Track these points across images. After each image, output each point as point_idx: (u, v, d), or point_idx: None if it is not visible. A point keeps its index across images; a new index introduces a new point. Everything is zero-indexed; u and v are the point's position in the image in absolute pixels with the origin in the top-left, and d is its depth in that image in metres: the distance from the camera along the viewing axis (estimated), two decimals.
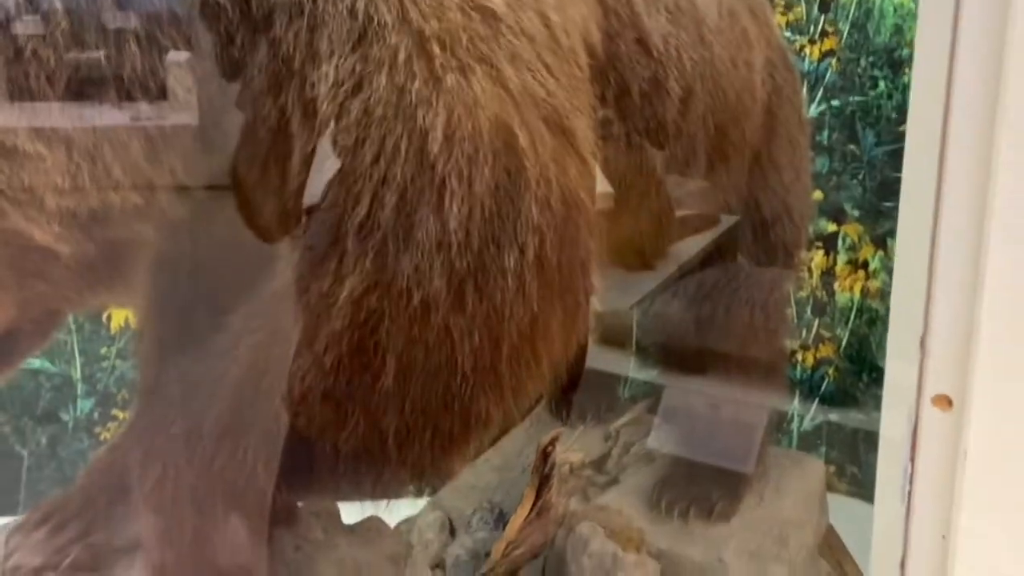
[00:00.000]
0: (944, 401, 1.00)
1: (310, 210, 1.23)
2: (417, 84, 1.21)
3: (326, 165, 1.22)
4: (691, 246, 2.16)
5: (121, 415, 2.73)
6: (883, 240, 2.76)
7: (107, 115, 1.22)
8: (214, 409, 1.34)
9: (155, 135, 1.25)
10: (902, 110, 2.67)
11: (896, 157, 2.68)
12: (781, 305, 2.31)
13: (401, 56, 1.21)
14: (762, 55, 2.01)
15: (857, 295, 2.84)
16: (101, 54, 1.19)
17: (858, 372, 2.86)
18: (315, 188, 1.23)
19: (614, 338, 2.57)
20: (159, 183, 1.27)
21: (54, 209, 1.22)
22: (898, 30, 2.64)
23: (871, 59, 2.68)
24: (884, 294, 2.79)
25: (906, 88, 2.64)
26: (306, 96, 1.23)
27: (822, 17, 2.68)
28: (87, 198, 1.23)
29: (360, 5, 1.21)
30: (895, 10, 2.64)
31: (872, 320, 2.84)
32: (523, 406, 1.35)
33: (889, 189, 2.72)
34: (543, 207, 1.25)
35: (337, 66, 1.21)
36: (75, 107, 1.20)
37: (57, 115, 1.19)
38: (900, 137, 2.65)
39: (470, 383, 1.24)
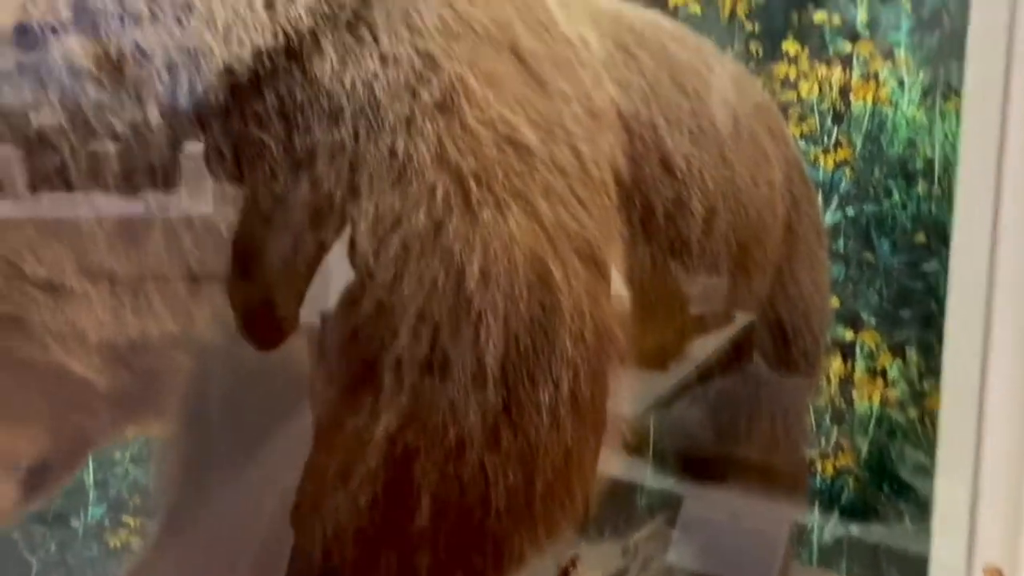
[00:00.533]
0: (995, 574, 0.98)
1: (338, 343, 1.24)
2: (455, 220, 1.22)
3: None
4: (706, 345, 2.16)
5: (132, 522, 2.70)
6: (901, 348, 2.76)
7: (151, 251, 1.22)
8: (248, 545, 1.32)
9: (196, 268, 1.25)
10: (917, 219, 2.69)
11: (912, 267, 2.70)
12: (802, 414, 2.30)
13: (439, 193, 1.23)
14: (781, 172, 2.04)
15: (876, 404, 2.82)
16: (148, 195, 1.20)
17: (878, 483, 2.83)
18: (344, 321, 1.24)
19: (630, 444, 2.55)
20: (196, 314, 1.27)
21: (95, 343, 1.22)
22: (911, 143, 2.68)
23: (885, 170, 2.71)
24: (903, 404, 2.77)
25: (920, 199, 2.67)
26: (345, 231, 1.24)
27: (835, 128, 2.72)
28: (128, 330, 1.23)
29: (400, 144, 1.23)
30: (908, 123, 2.68)
31: (892, 430, 2.81)
32: (557, 542, 1.33)
33: (905, 297, 2.73)
34: (577, 341, 1.25)
35: (377, 203, 1.23)
36: (120, 244, 1.21)
37: (104, 252, 1.20)
38: (915, 247, 2.67)
39: (504, 521, 1.23)
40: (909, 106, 2.63)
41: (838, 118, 2.72)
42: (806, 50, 2.70)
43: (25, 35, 1.15)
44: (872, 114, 2.71)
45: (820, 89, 2.70)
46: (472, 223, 1.23)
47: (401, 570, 1.22)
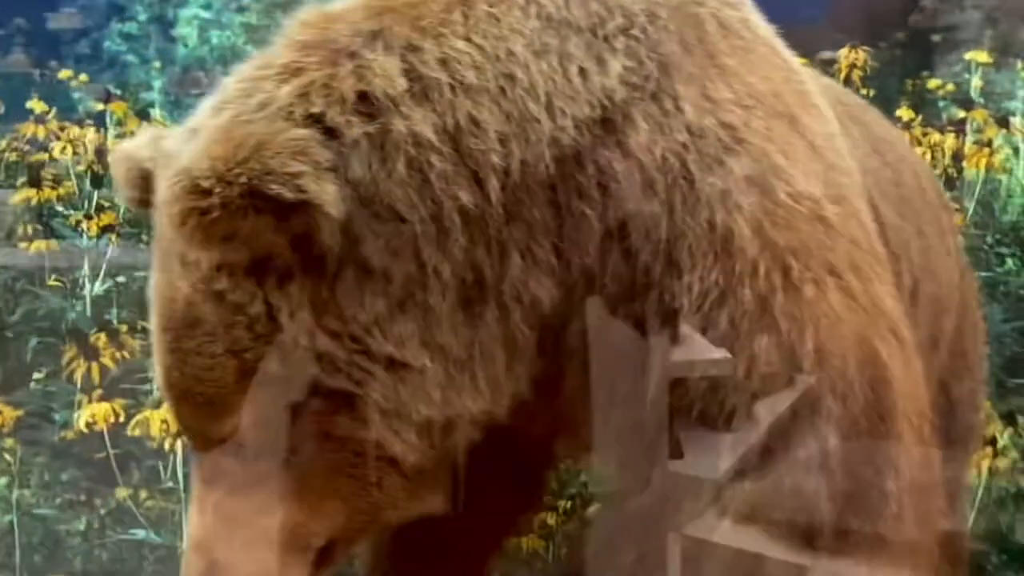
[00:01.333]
0: None
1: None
2: (779, 297, 1.21)
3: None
4: None
5: None
6: (1012, 416, 2.72)
7: (484, 327, 1.20)
8: None
9: (518, 345, 1.23)
10: None
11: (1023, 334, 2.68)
12: (963, 491, 2.25)
13: (761, 269, 1.22)
14: (954, 239, 2.02)
15: (985, 473, 2.78)
16: (486, 268, 1.19)
17: (989, 552, 2.78)
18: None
19: None
20: (505, 393, 1.25)
21: (417, 421, 1.19)
22: None
23: (997, 236, 2.70)
24: (1015, 472, 2.74)
25: None
26: (665, 306, 1.23)
27: (947, 194, 2.71)
28: (449, 409, 1.20)
29: (719, 218, 1.22)
30: (1022, 190, 2.68)
31: (1002, 500, 2.77)
32: None
33: (1016, 365, 2.70)
34: (908, 424, 1.24)
35: (701, 277, 1.21)
36: (460, 319, 1.18)
37: (445, 328, 1.18)
38: None
39: None
40: None
41: (950, 183, 2.71)
42: (919, 117, 2.70)
43: (367, 103, 1.12)
44: (985, 181, 2.71)
45: (932, 155, 2.69)
46: (797, 300, 1.21)
47: None
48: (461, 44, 1.18)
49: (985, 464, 2.77)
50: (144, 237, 2.43)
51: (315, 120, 1.12)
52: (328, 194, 1.07)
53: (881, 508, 1.21)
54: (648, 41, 1.27)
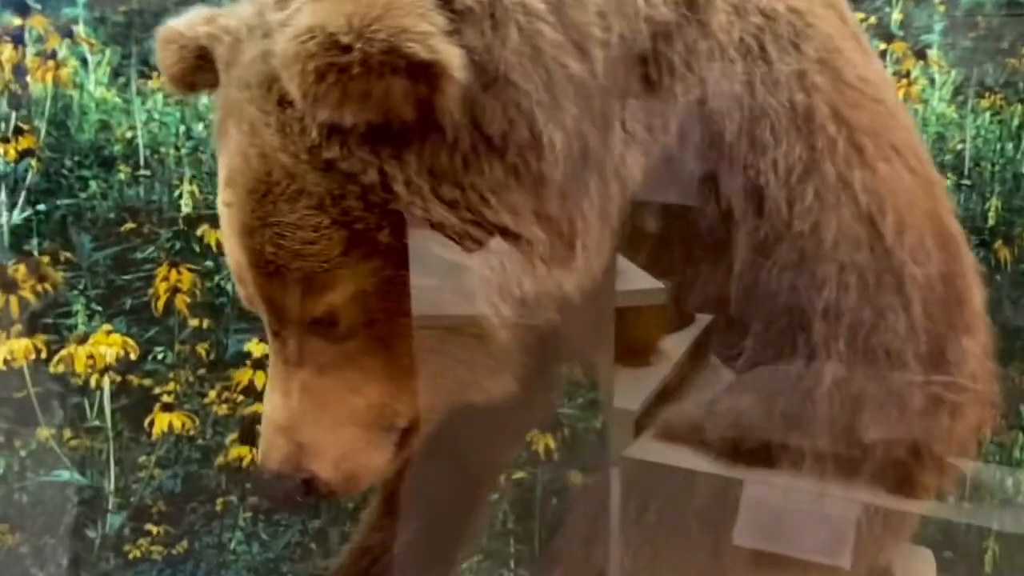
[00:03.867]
0: None
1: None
2: (857, 173, 1.28)
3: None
4: None
5: (154, 529, 2.52)
6: None
7: (587, 199, 1.21)
8: None
9: (611, 219, 1.24)
10: None
11: None
12: None
13: (840, 146, 1.28)
14: None
15: None
16: (591, 137, 1.20)
17: None
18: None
19: None
20: (595, 270, 1.27)
21: (515, 296, 1.18)
22: (940, 137, 2.79)
23: None
24: None
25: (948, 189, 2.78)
26: (751, 182, 1.28)
27: None
28: (548, 284, 1.19)
29: (799, 98, 1.28)
30: (936, 119, 2.80)
31: None
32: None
33: None
34: (975, 293, 1.36)
35: (786, 153, 1.27)
36: (568, 191, 1.19)
37: (554, 200, 1.17)
38: None
39: (923, 459, 1.34)
40: (940, 103, 2.74)
41: None
42: None
43: None
44: None
45: None
46: (873, 176, 1.28)
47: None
48: None
49: None
50: (67, 162, 2.32)
51: None
52: (456, 57, 1.05)
53: (961, 364, 1.31)
54: None
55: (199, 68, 1.27)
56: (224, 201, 1.21)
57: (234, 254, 1.22)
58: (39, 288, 2.35)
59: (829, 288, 1.26)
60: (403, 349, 1.21)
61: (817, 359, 1.27)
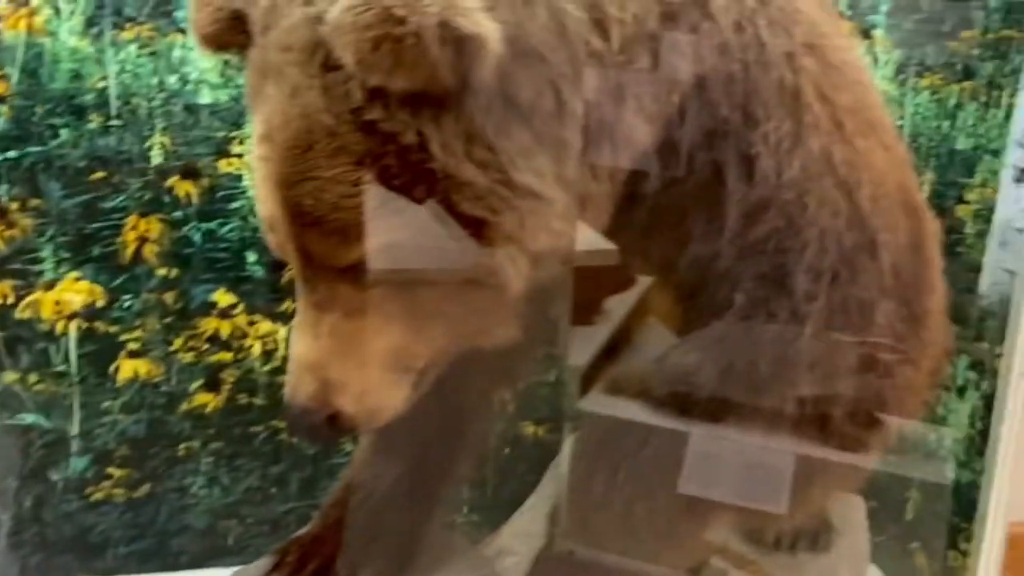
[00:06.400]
0: None
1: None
2: (838, 148, 1.41)
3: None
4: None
5: (117, 473, 2.58)
6: None
7: (604, 165, 1.34)
8: None
9: (618, 183, 1.36)
10: None
11: None
12: None
13: (823, 123, 1.41)
14: None
15: None
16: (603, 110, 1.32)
17: None
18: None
19: None
20: (601, 225, 1.41)
21: (532, 250, 1.29)
22: None
23: None
24: None
25: None
26: (743, 152, 1.40)
27: None
28: (561, 240, 1.31)
29: (788, 78, 1.40)
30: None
31: None
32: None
33: None
34: (935, 258, 1.53)
35: (776, 127, 1.39)
36: (588, 155, 1.29)
37: (573, 165, 1.27)
38: None
39: (901, 393, 1.52)
40: (882, 81, 2.87)
41: None
42: None
43: None
44: None
45: None
46: (852, 151, 1.42)
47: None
48: None
49: None
50: (38, 110, 2.33)
51: None
52: (495, 31, 1.14)
53: (923, 319, 1.49)
54: None
55: (232, 29, 1.33)
56: (261, 156, 1.28)
57: (268, 205, 1.30)
58: (7, 234, 2.36)
59: (811, 250, 1.40)
60: (427, 297, 1.31)
61: (799, 312, 1.41)
